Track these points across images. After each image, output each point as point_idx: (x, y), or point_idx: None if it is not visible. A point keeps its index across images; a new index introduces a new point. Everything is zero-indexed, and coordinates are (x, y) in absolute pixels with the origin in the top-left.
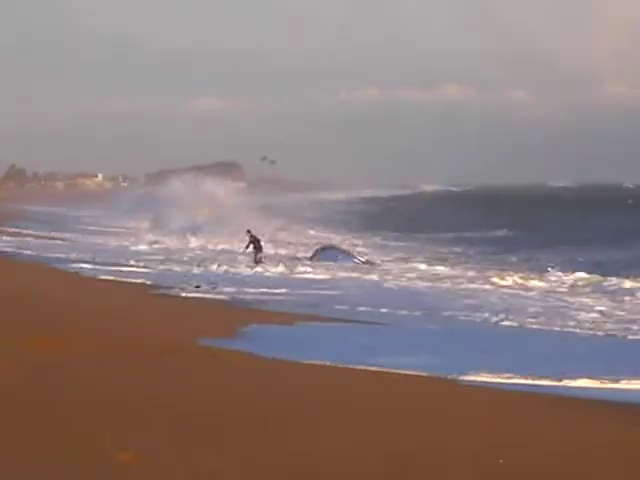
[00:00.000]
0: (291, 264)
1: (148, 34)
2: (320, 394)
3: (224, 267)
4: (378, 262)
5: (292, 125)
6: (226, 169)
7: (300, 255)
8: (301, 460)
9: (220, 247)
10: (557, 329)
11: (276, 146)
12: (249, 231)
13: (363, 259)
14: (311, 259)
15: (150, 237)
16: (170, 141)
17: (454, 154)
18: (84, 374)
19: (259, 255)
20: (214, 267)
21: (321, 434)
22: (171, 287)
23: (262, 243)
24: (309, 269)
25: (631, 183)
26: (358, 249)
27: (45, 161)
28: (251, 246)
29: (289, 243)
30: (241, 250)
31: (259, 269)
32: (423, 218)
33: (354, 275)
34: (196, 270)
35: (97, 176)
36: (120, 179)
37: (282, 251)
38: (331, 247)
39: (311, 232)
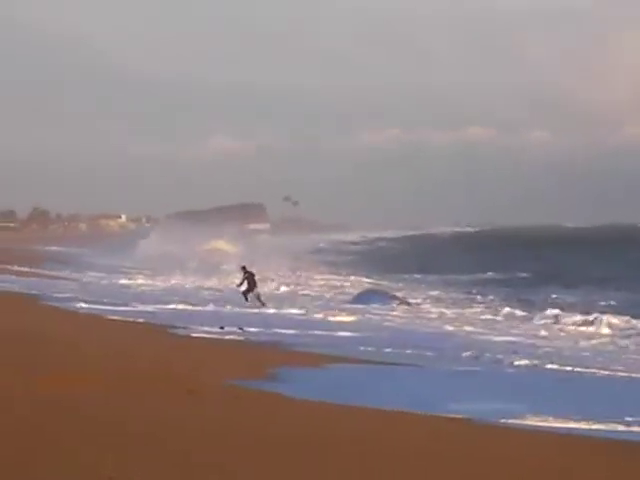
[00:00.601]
0: (329, 307)
1: (166, 74)
2: (348, 434)
3: (236, 308)
4: (413, 302)
5: (314, 165)
6: (249, 210)
7: (340, 298)
8: None
9: (212, 285)
10: (604, 372)
11: (298, 186)
12: (244, 267)
13: (404, 301)
14: (353, 302)
15: (151, 279)
16: (195, 182)
17: (473, 195)
18: (93, 412)
19: (255, 291)
20: (227, 307)
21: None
22: (189, 327)
23: (256, 279)
24: (350, 312)
25: None
26: (395, 292)
27: (69, 203)
28: (245, 282)
29: (323, 285)
30: (236, 286)
31: (258, 305)
32: (444, 259)
33: (397, 317)
34: (208, 308)
35: (120, 217)
36: (143, 220)
37: (319, 294)
38: (373, 291)
39: (339, 276)
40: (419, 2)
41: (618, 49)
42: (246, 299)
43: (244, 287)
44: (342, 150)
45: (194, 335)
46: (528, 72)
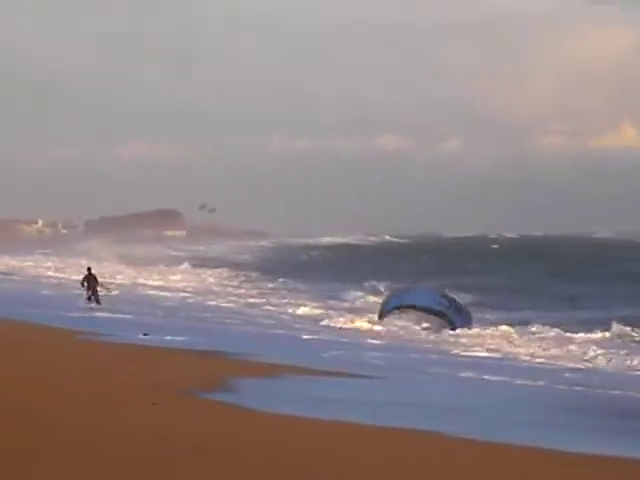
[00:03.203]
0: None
1: (87, 80)
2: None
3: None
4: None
5: (228, 173)
6: (166, 217)
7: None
8: None
9: None
10: None
11: (215, 194)
12: (89, 269)
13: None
14: (381, 317)
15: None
16: (113, 188)
17: (382, 204)
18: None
19: (89, 293)
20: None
21: None
22: (112, 334)
23: (99, 282)
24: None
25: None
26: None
27: None
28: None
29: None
30: (80, 285)
31: (92, 306)
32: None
33: None
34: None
35: (37, 222)
36: (60, 226)
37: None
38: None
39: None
40: (339, 13)
41: (535, 57)
42: (89, 299)
43: (87, 287)
44: (260, 158)
45: (120, 342)
46: (446, 84)
